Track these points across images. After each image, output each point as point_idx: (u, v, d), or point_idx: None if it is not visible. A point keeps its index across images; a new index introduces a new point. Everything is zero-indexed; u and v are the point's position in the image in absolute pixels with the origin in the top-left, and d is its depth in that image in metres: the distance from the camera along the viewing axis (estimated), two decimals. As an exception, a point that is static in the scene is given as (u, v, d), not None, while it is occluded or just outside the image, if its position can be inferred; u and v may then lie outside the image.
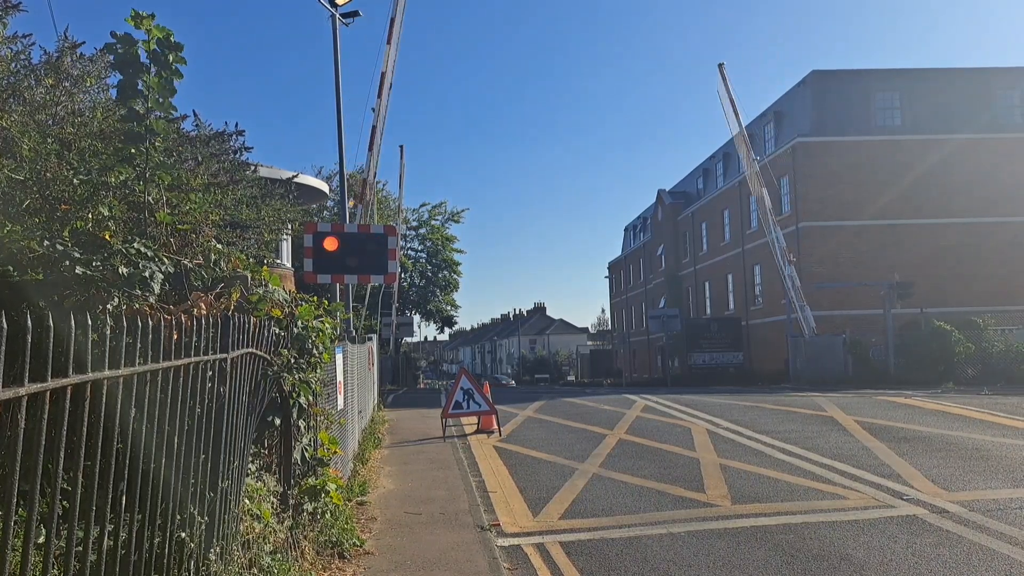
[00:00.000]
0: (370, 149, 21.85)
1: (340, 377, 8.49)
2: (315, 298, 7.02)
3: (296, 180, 14.69)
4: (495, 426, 14.58)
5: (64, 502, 2.60)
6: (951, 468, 10.04)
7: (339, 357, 8.36)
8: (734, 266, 45.45)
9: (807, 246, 36.42)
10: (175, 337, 3.36)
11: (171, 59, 5.54)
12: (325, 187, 20.60)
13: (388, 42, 22.46)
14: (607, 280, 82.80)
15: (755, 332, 41.24)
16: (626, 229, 76.64)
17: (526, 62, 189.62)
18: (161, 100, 5.62)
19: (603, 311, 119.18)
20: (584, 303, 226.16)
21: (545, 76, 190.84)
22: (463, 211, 44.16)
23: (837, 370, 28.08)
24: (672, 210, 56.84)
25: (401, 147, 29.72)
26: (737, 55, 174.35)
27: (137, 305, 4.64)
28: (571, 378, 29.45)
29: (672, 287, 56.06)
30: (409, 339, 37.67)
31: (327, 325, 6.87)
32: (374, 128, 22.12)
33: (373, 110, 21.88)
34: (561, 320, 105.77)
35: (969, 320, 27.59)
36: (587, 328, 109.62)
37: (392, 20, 22.41)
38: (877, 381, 25.75)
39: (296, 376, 5.98)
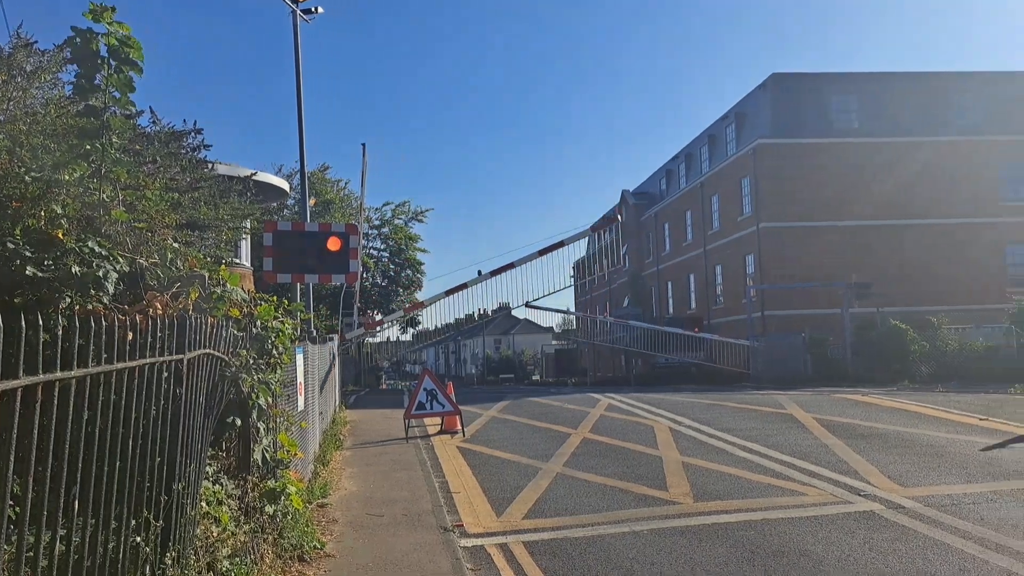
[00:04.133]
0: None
1: (300, 378, 8.39)
2: (275, 298, 6.93)
3: (255, 178, 14.50)
4: (459, 426, 14.54)
5: (15, 507, 2.53)
6: (907, 464, 10.24)
7: (299, 358, 8.27)
8: (696, 266, 45.90)
9: (767, 246, 36.90)
10: (129, 338, 3.29)
11: (131, 55, 5.43)
12: (285, 185, 20.37)
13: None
14: (572, 280, 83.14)
15: (717, 331, 41.64)
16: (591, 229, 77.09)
17: (493, 63, 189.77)
18: (119, 96, 5.51)
19: (568, 310, 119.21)
20: (549, 302, 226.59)
21: (512, 77, 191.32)
22: (427, 210, 43.87)
23: (797, 369, 28.46)
24: (636, 210, 57.23)
25: (363, 145, 29.52)
26: (700, 56, 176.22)
27: (91, 305, 4.54)
28: (536, 378, 29.48)
29: (636, 287, 56.45)
30: (371, 339, 37.41)
31: (287, 325, 6.79)
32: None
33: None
34: (526, 320, 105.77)
35: (924, 319, 28.13)
36: (552, 328, 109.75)
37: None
38: (836, 379, 26.17)
39: (255, 377, 5.90)
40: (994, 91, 39.35)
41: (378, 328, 29.81)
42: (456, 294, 27.76)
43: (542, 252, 26.99)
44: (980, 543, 6.74)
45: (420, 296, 43.64)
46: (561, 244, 25.38)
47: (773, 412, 16.10)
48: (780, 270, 36.07)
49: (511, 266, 27.22)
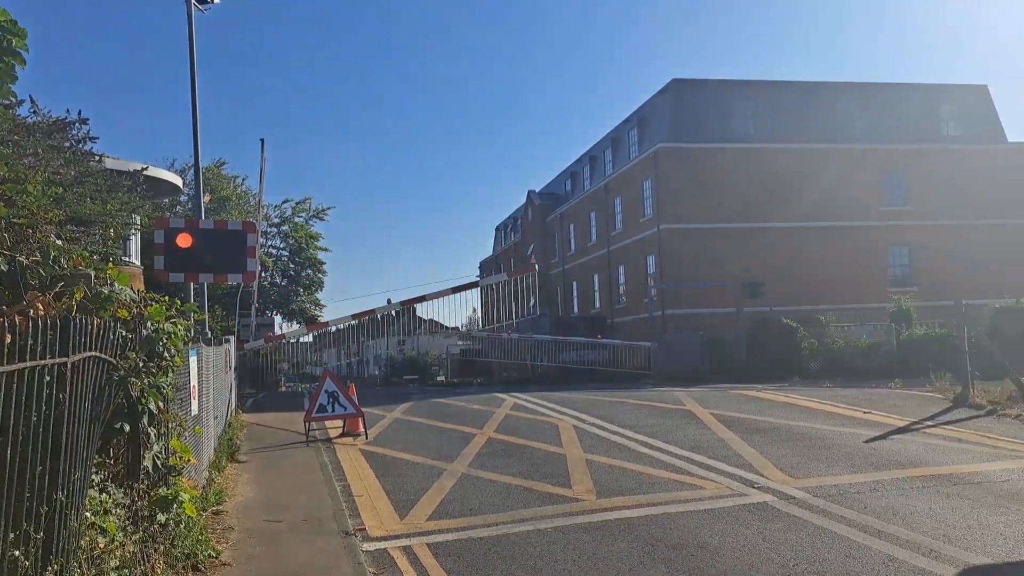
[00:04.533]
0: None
1: (194, 381, 8.08)
2: (167, 298, 6.65)
3: (146, 172, 13.87)
4: (361, 429, 14.31)
5: None
6: (797, 457, 10.69)
7: (193, 360, 7.96)
8: (600, 266, 46.72)
9: (668, 247, 37.91)
10: (8, 340, 3.09)
11: (13, 44, 5.08)
12: (179, 180, 19.60)
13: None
14: (478, 279, 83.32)
15: (620, 330, 42.52)
16: (497, 229, 77.37)
17: (395, 58, 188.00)
18: (0, 86, 5.16)
19: (474, 310, 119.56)
20: (455, 303, 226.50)
21: (418, 75, 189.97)
22: (328, 208, 42.93)
23: (695, 366, 29.32)
24: (542, 211, 57.82)
25: (262, 140, 28.68)
26: (603, 58, 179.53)
27: (-38, 305, 4.24)
28: (441, 378, 29.46)
29: (541, 286, 57.01)
30: (270, 332, 36.51)
31: (180, 327, 6.52)
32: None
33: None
34: (431, 320, 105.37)
35: (813, 318, 29.49)
36: (458, 327, 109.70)
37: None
38: (731, 376, 27.08)
39: (145, 381, 5.65)
40: (874, 102, 41.66)
41: (280, 342, 29.10)
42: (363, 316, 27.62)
43: (455, 290, 27.45)
44: (864, 530, 7.09)
45: (320, 296, 42.89)
46: (476, 284, 25.66)
47: (673, 408, 16.53)
48: (680, 270, 37.10)
49: (423, 299, 27.60)
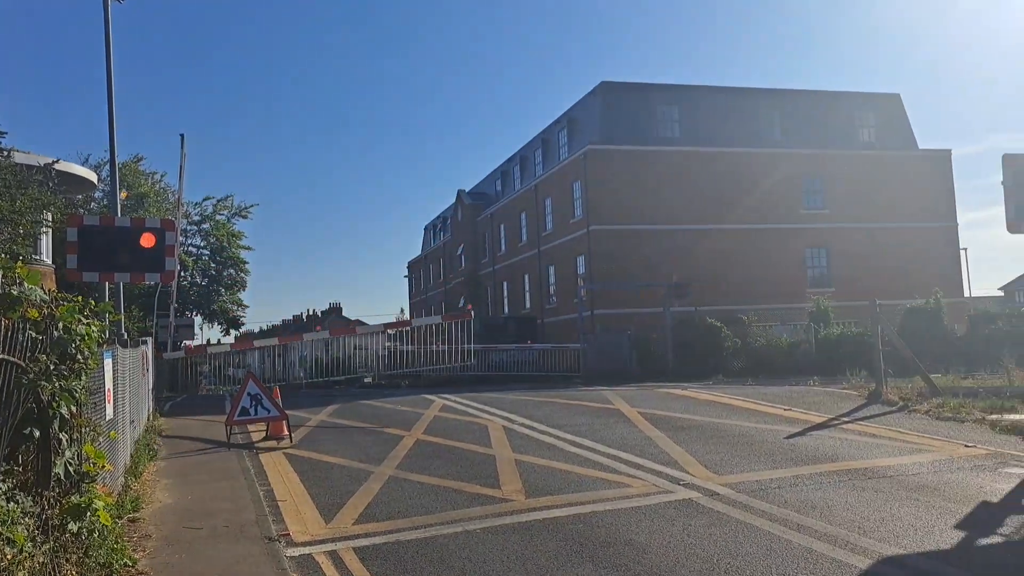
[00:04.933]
0: None
1: (109, 384, 7.77)
2: (80, 298, 6.37)
3: (58, 167, 13.25)
4: (286, 432, 14.00)
5: None
6: (721, 454, 10.92)
7: (108, 363, 7.65)
8: (530, 267, 46.92)
9: (597, 248, 38.33)
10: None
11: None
12: (93, 176, 18.81)
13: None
14: (407, 279, 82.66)
15: (550, 330, 42.80)
16: (426, 228, 76.94)
17: (325, 55, 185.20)
18: None
19: (402, 311, 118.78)
20: (383, 303, 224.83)
21: (347, 72, 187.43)
22: (251, 206, 41.89)
23: (623, 365, 29.70)
24: (472, 211, 57.73)
25: (182, 136, 27.81)
26: (534, 59, 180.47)
27: None
28: (368, 380, 29.14)
29: (472, 287, 56.93)
30: (190, 342, 35.42)
31: (94, 328, 6.25)
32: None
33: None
34: (358, 320, 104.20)
35: (737, 317, 30.23)
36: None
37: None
38: (659, 375, 27.53)
39: (56, 384, 5.41)
40: (794, 108, 43.01)
41: (203, 353, 28.33)
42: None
43: (388, 327, 27.43)
44: (784, 524, 7.28)
45: (244, 297, 41.94)
46: (408, 323, 25.63)
47: (601, 408, 16.70)
48: (609, 271, 37.55)
49: (354, 331, 27.45)
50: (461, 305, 55.22)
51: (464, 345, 21.43)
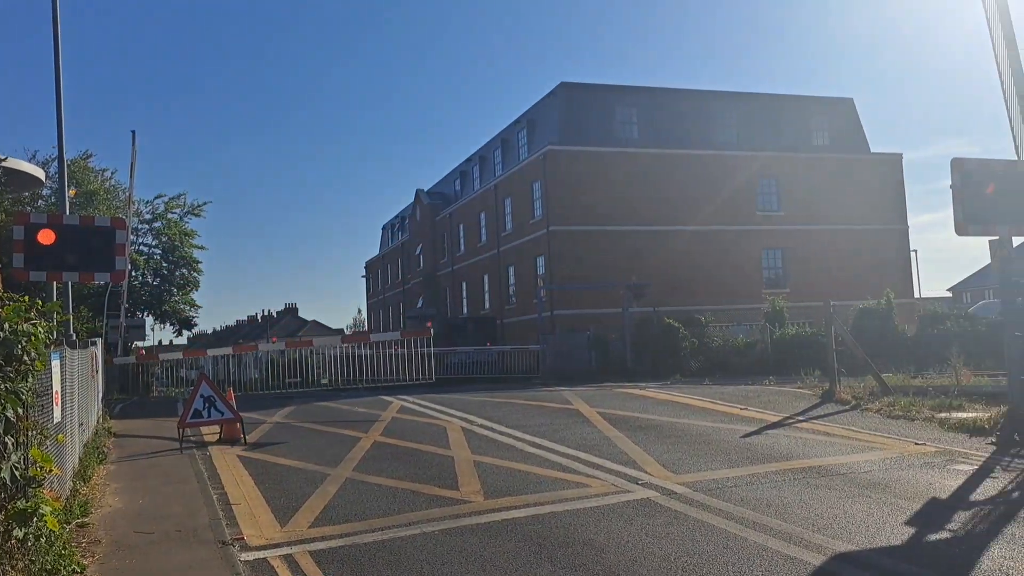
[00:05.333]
0: None
1: (57, 386, 7.56)
2: (26, 298, 6.18)
3: (3, 164, 12.88)
4: (240, 434, 13.78)
5: None
6: (679, 453, 11.00)
7: (56, 364, 7.44)
8: (490, 267, 46.89)
9: (556, 248, 38.46)
10: None
11: None
12: (40, 173, 18.24)
13: None
14: (364, 280, 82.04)
15: (510, 330, 42.84)
16: (384, 228, 76.44)
17: (279, 55, 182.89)
18: None
19: (360, 311, 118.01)
20: (340, 303, 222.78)
21: (303, 71, 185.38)
22: (204, 204, 41.00)
23: (583, 365, 29.83)
24: (430, 210, 57.49)
25: (133, 132, 27.29)
26: (494, 59, 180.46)
27: None
28: (325, 381, 28.82)
29: (430, 287, 56.69)
30: (140, 343, 34.69)
31: (41, 328, 6.07)
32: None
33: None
34: (314, 321, 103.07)
35: (694, 318, 30.56)
36: (343, 329, 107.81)
37: None
38: (617, 374, 27.69)
39: (2, 386, 5.27)
40: (750, 111, 43.62)
41: (155, 360, 27.79)
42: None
43: (344, 339, 27.33)
44: (740, 522, 7.35)
45: (197, 297, 41.23)
46: (366, 337, 25.55)
47: (560, 408, 16.73)
48: (568, 271, 37.70)
49: (310, 343, 27.24)
50: (419, 306, 55.03)
51: (424, 362, 21.38)
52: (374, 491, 9.28)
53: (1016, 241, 11.94)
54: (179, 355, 28.45)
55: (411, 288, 61.90)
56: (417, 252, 60.54)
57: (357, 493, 9.21)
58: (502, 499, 8.59)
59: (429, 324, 25.31)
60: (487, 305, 47.67)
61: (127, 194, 33.42)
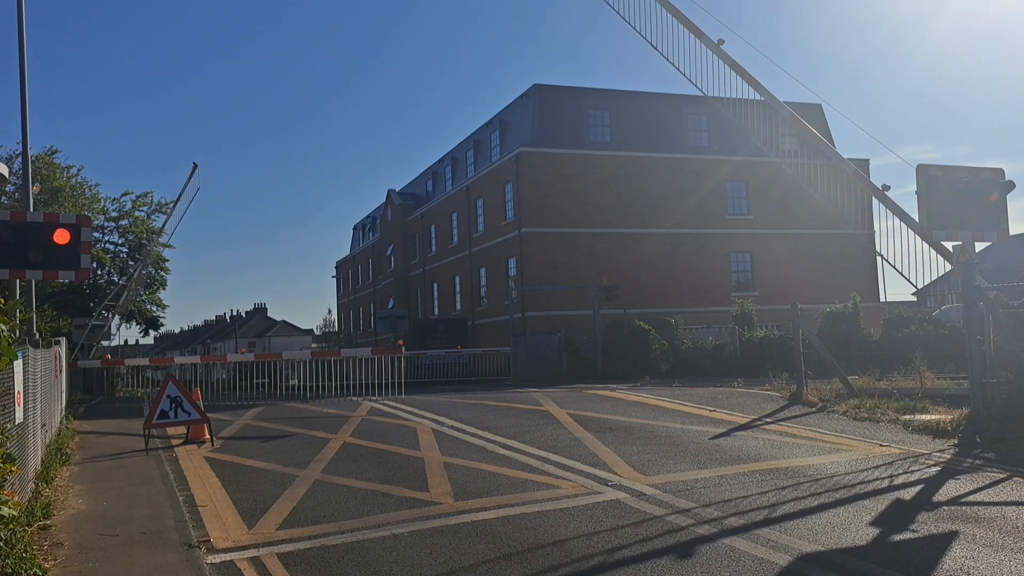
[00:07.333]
0: None
1: (19, 386, 7.42)
2: (-14, 295, 6.06)
3: (-33, 159, 12.63)
4: (207, 436, 13.62)
5: None
6: (649, 454, 11.06)
7: (18, 364, 7.30)
8: (462, 268, 46.81)
9: (528, 250, 38.49)
10: None
11: None
12: (4, 169, 17.92)
13: None
14: (334, 280, 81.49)
15: (481, 331, 42.80)
16: (355, 228, 75.97)
17: (252, 51, 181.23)
18: None
19: (330, 312, 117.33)
20: (310, 303, 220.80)
21: (275, 68, 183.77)
22: (172, 202, 40.67)
23: (553, 367, 29.88)
24: (402, 211, 57.26)
25: (194, 164, 27.33)
26: (467, 60, 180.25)
27: None
28: (294, 382, 28.53)
29: (401, 287, 56.45)
30: (107, 343, 34.16)
31: (3, 327, 5.96)
32: None
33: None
34: (284, 321, 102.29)
35: (664, 320, 30.75)
36: (312, 329, 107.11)
37: None
38: (588, 376, 27.77)
39: (-40, 386, 5.14)
40: (720, 115, 43.91)
41: (122, 366, 27.39)
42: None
43: (315, 355, 27.31)
44: (709, 523, 7.40)
45: (164, 296, 40.68)
46: (339, 353, 25.46)
47: (531, 409, 16.74)
48: (540, 273, 37.75)
49: (280, 356, 27.24)
50: (390, 307, 54.75)
51: (394, 364, 21.34)
52: (343, 493, 9.21)
53: (979, 247, 12.17)
54: (146, 362, 28.11)
55: (382, 289, 61.61)
56: (388, 252, 60.26)
57: (326, 495, 9.14)
58: (472, 500, 8.57)
59: (400, 343, 25.23)
60: (458, 306, 47.58)
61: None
